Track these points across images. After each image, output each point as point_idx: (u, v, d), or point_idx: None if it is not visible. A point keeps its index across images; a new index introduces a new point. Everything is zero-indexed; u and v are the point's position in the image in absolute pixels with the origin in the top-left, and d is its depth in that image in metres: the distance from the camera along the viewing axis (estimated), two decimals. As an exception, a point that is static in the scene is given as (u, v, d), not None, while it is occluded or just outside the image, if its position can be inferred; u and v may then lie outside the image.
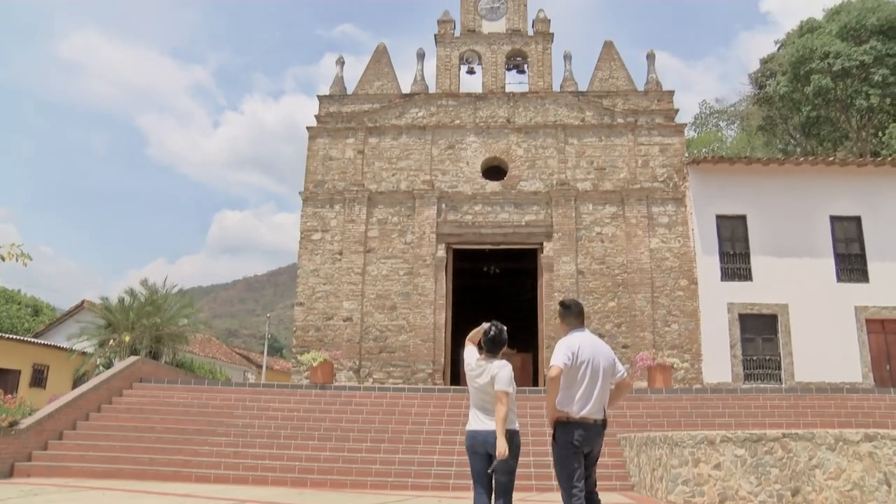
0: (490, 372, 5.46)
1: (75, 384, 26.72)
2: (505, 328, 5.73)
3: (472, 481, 5.61)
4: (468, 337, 5.93)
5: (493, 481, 5.41)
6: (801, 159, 19.71)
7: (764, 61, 38.02)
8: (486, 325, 5.73)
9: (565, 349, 5.40)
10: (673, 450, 8.63)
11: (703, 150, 43.51)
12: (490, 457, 5.35)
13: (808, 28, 31.90)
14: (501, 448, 5.20)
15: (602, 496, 5.69)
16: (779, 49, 36.85)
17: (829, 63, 28.56)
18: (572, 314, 5.70)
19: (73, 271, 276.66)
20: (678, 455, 8.54)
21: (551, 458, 5.67)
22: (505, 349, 5.79)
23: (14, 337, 27.36)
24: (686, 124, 20.62)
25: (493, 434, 5.35)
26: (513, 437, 5.37)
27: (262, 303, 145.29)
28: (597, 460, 5.56)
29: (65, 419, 12.74)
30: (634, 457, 10.44)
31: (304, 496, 9.58)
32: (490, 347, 5.61)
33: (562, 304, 5.81)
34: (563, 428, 5.37)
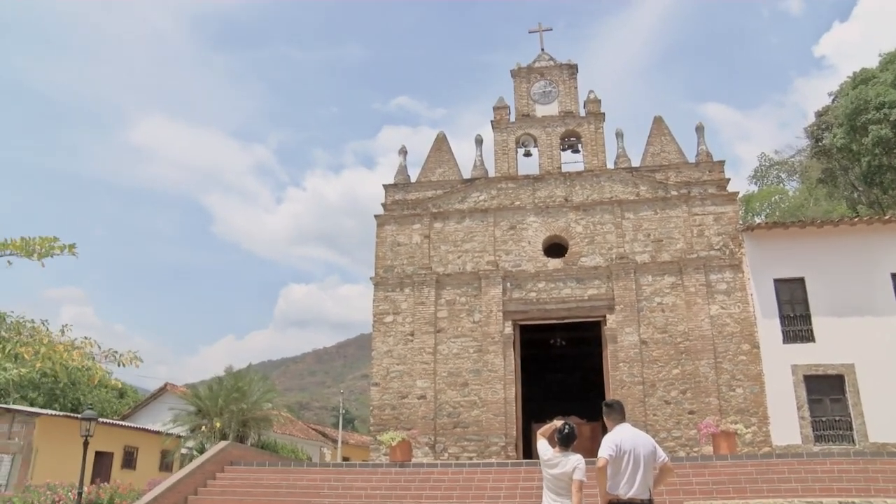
0: (571, 464, 6.51)
1: (162, 466, 28.28)
2: (575, 426, 6.89)
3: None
4: (539, 432, 7.06)
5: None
6: (857, 219, 20.00)
7: (819, 114, 38.16)
8: (558, 424, 6.86)
9: (610, 442, 6.39)
10: (734, 521, 9.21)
11: (764, 203, 43.69)
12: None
13: (861, 79, 31.94)
14: None
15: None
16: (833, 101, 36.97)
17: (885, 113, 28.67)
18: (615, 412, 6.76)
19: (146, 349, 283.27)
20: (739, 526, 9.12)
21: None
22: (575, 419, 7.10)
23: (110, 421, 28.92)
24: (738, 192, 21.09)
25: None
26: None
27: (332, 374, 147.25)
28: None
29: (167, 503, 13.81)
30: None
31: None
32: (564, 443, 6.72)
33: (605, 404, 6.90)
34: None
